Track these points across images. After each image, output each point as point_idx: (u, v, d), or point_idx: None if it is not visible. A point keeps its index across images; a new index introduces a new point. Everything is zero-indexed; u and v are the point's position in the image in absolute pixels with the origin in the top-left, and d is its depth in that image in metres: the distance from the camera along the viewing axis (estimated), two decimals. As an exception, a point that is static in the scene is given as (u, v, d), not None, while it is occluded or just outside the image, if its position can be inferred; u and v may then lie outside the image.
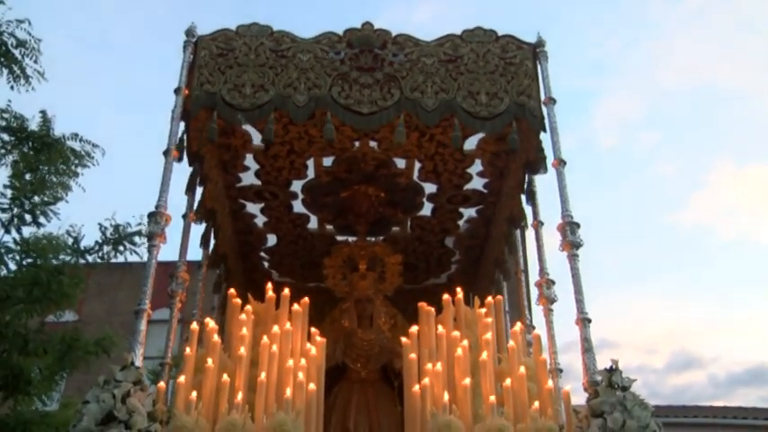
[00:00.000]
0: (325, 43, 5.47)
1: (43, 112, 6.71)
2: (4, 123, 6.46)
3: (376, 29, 5.55)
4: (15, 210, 7.31)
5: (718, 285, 50.18)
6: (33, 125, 6.94)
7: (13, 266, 7.50)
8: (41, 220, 7.47)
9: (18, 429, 7.57)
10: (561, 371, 4.92)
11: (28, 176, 7.28)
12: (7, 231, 7.43)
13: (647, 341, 49.59)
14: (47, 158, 6.66)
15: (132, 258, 8.61)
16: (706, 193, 50.87)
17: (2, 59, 6.12)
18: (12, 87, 6.24)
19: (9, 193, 7.11)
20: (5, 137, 6.53)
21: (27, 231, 7.63)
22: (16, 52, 6.27)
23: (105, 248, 8.23)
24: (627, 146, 53.38)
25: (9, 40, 6.17)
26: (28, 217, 7.35)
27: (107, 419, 3.89)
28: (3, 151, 6.68)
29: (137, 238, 8.36)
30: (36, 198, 7.22)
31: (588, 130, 53.48)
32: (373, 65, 5.40)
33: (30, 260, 7.44)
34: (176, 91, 5.32)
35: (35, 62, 6.38)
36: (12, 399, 7.85)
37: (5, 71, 6.19)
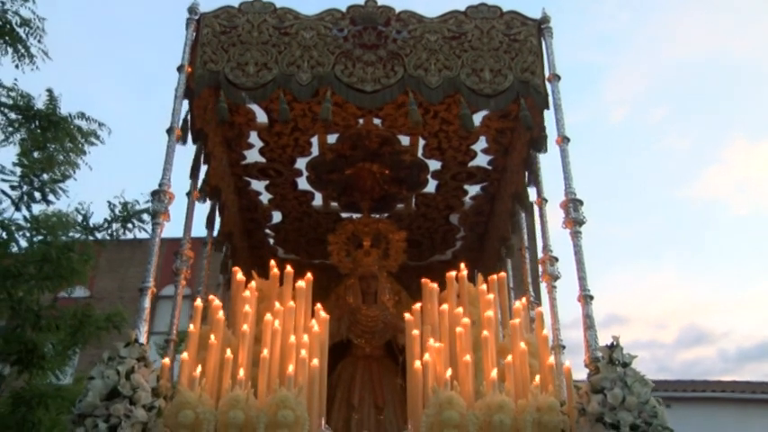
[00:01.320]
0: (328, 20, 5.43)
1: (50, 91, 6.73)
2: (10, 102, 6.44)
3: (379, 5, 5.50)
4: (25, 187, 7.33)
5: (729, 260, 50.09)
6: (40, 104, 6.92)
7: (24, 243, 7.56)
8: (51, 197, 7.51)
9: (34, 402, 7.69)
10: (564, 347, 4.88)
11: (36, 154, 7.29)
12: (17, 209, 7.46)
13: (658, 316, 49.58)
14: (54, 137, 6.64)
15: (142, 235, 8.69)
16: (718, 169, 50.62)
17: (6, 38, 6.05)
18: (17, 66, 6.21)
19: (18, 170, 7.12)
20: (12, 115, 6.53)
21: (37, 209, 7.67)
22: (20, 31, 6.24)
23: (114, 226, 8.30)
24: (637, 120, 53.10)
25: (13, 18, 6.13)
26: (37, 194, 7.37)
27: (111, 395, 3.91)
28: (10, 129, 6.67)
29: (145, 216, 8.37)
30: (45, 176, 7.23)
31: (598, 104, 53.11)
32: (376, 42, 5.36)
33: (40, 237, 7.48)
34: (179, 69, 5.28)
35: (39, 41, 6.36)
36: (27, 373, 7.94)
37: (10, 50, 6.11)
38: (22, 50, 6.26)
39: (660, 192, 51.97)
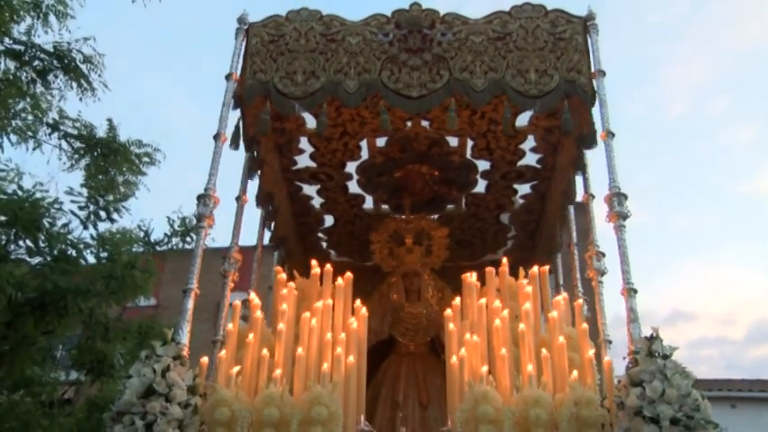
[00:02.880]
0: (373, 25, 5.48)
1: (109, 120, 7.20)
2: (75, 132, 6.87)
3: (424, 9, 5.52)
4: (91, 207, 7.71)
5: None
6: (101, 132, 7.40)
7: (91, 259, 7.92)
8: (114, 216, 7.91)
9: (107, 409, 7.88)
10: (610, 342, 4.82)
11: (99, 177, 7.69)
12: (85, 227, 7.87)
13: (725, 312, 47.79)
14: (114, 162, 7.04)
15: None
16: None
17: (72, 75, 6.50)
18: (80, 99, 6.67)
19: (85, 192, 7.54)
20: (77, 144, 6.91)
21: (102, 227, 8.08)
22: (83, 67, 6.69)
23: (174, 240, 8.72)
24: (697, 112, 51.64)
25: (78, 56, 6.59)
26: (102, 214, 7.77)
27: (148, 393, 4.02)
28: (76, 156, 7.07)
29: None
30: (109, 197, 7.64)
31: (656, 97, 51.85)
32: (422, 46, 5.38)
33: (106, 255, 7.86)
34: (227, 77, 5.42)
35: (99, 75, 6.85)
36: (99, 381, 8.44)
37: (75, 85, 6.55)
38: (85, 85, 6.62)
39: (722, 184, 50.24)
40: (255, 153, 5.90)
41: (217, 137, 5.22)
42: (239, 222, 5.54)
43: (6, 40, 6.09)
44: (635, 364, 4.05)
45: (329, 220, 7.25)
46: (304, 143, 6.42)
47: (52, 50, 6.49)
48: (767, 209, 48.88)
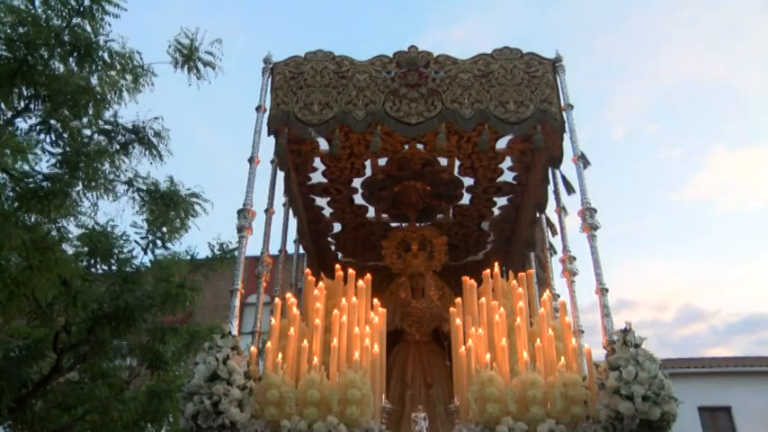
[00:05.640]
0: (378, 65, 5.58)
1: (171, 177, 7.80)
2: (145, 187, 7.48)
3: (420, 51, 5.65)
4: (150, 237, 8.35)
5: (717, 249, 50.34)
6: (163, 184, 8.01)
7: (150, 278, 8.55)
8: (168, 245, 8.58)
9: (162, 395, 9.21)
10: (583, 331, 4.98)
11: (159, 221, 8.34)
12: (145, 253, 8.50)
13: (659, 299, 49.27)
14: (174, 210, 7.67)
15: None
16: (705, 174, 50.91)
17: (145, 146, 7.19)
18: (150, 163, 7.50)
19: (146, 225, 8.18)
20: (146, 197, 7.54)
21: (158, 253, 8.74)
22: (154, 140, 7.33)
23: (214, 264, 9.31)
24: (635, 135, 53.56)
25: (149, 131, 7.26)
26: (159, 242, 8.44)
27: (212, 377, 4.10)
28: (144, 206, 7.71)
29: (236, 253, 9.17)
30: (164, 229, 8.24)
31: (602, 123, 53.56)
32: (419, 81, 5.49)
33: (161, 275, 8.48)
34: (257, 109, 5.52)
35: (165, 146, 7.53)
36: (156, 373, 9.41)
37: (147, 152, 7.31)
38: (156, 153, 7.34)
39: (657, 195, 52.25)
40: (287, 172, 5.95)
41: (251, 160, 5.28)
42: (268, 230, 5.58)
43: (100, 122, 6.86)
44: (612, 352, 4.18)
45: (337, 227, 7.33)
46: (317, 163, 6.50)
47: (131, 127, 7.16)
48: (693, 215, 50.77)
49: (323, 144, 6.22)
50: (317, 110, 5.41)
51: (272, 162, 5.80)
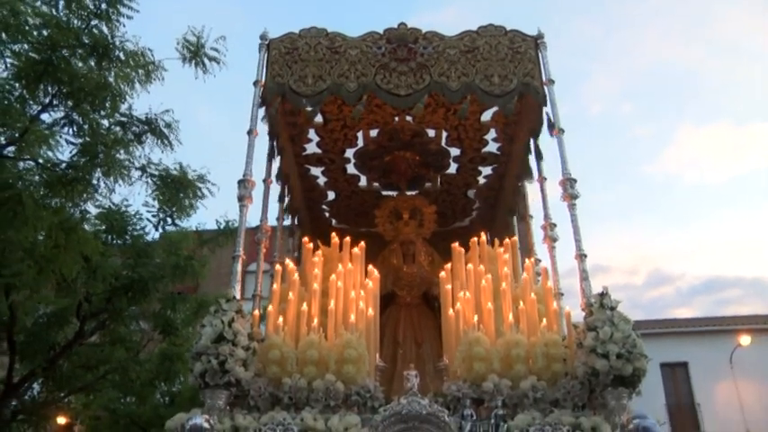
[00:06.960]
0: (369, 41, 5.58)
1: (180, 164, 7.88)
2: (156, 173, 7.62)
3: (409, 27, 5.65)
4: (161, 215, 8.57)
5: (684, 218, 51.36)
6: (173, 170, 8.06)
7: (161, 251, 8.94)
8: (177, 222, 8.78)
9: (174, 358, 9.82)
10: (562, 294, 5.08)
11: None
12: (156, 229, 8.82)
13: (631, 264, 50.29)
14: (183, 193, 7.83)
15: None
16: (673, 149, 52.36)
17: (156, 136, 7.41)
18: (162, 151, 7.63)
19: (157, 204, 8.38)
20: (158, 182, 7.72)
21: (168, 229, 9.04)
22: (165, 131, 7.47)
23: (220, 239, 9.49)
24: (611, 112, 54.65)
25: (161, 122, 7.43)
26: (169, 219, 8.66)
27: (218, 339, 4.20)
28: (157, 189, 7.84)
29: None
30: (174, 208, 8.37)
31: (580, 100, 54.54)
32: (408, 56, 5.50)
33: (171, 250, 8.91)
34: (255, 83, 5.50)
35: (176, 137, 7.65)
36: (168, 337, 9.81)
37: (159, 142, 7.49)
38: (167, 143, 7.51)
39: (630, 168, 53.55)
40: (276, 142, 5.93)
41: (249, 132, 5.30)
42: (267, 199, 5.62)
43: (116, 115, 7.16)
44: (590, 314, 4.28)
45: (331, 195, 7.36)
46: (312, 134, 6.50)
47: (144, 119, 7.38)
48: (663, 186, 51.85)
49: (318, 117, 6.22)
50: (310, 82, 5.43)
51: (269, 134, 5.79)
